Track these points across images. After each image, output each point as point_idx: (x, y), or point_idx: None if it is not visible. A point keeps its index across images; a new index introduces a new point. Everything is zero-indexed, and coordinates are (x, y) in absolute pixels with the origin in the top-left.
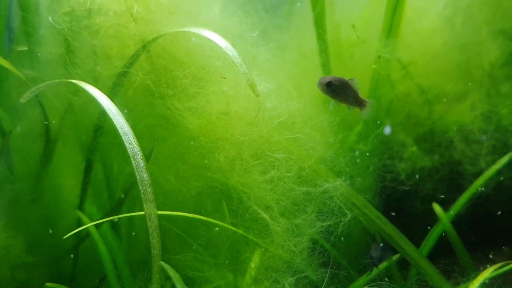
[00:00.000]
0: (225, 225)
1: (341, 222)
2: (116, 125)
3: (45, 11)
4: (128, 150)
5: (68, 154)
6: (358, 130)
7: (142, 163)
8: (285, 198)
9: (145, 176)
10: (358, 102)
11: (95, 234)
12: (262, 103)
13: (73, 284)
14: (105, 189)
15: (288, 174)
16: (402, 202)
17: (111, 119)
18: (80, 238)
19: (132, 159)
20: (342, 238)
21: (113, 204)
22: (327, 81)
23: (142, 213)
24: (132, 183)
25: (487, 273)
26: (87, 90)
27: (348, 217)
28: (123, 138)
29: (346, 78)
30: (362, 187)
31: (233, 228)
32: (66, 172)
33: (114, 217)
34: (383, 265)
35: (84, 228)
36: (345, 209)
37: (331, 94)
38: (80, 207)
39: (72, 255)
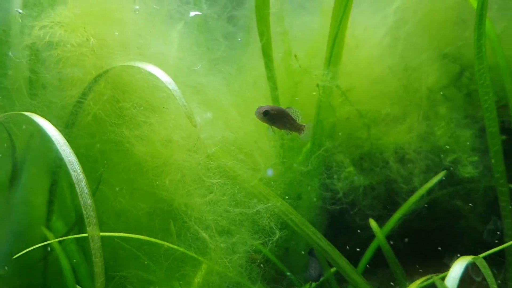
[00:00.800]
0: (168, 244)
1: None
2: (62, 155)
3: (6, 46)
4: (73, 178)
5: (35, 174)
6: (306, 151)
7: (85, 190)
8: (224, 218)
9: (89, 201)
10: (296, 128)
11: (57, 248)
12: (199, 132)
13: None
14: (71, 205)
15: (224, 198)
16: (343, 218)
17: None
18: (47, 251)
19: (76, 186)
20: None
21: (77, 219)
22: (263, 110)
23: (86, 235)
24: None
25: (415, 285)
26: (37, 121)
27: (277, 236)
28: (68, 167)
29: (291, 104)
30: (307, 206)
31: (176, 247)
32: (34, 190)
33: (67, 237)
34: (320, 280)
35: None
36: (275, 228)
37: (268, 122)
38: (47, 222)
39: (42, 266)
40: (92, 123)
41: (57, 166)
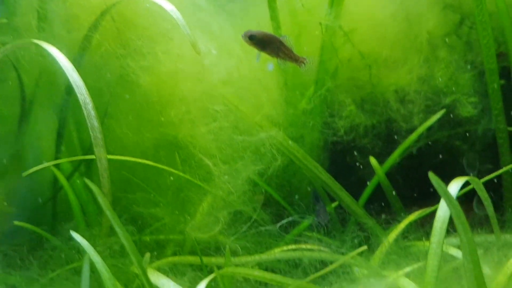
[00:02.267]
0: (174, 171)
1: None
2: (70, 79)
3: None
4: (80, 100)
5: (44, 114)
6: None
7: (92, 112)
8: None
9: (95, 123)
10: (293, 59)
11: (66, 185)
12: (204, 61)
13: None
14: (78, 146)
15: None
16: (344, 156)
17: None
18: (56, 190)
19: (83, 108)
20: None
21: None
22: (250, 34)
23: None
24: None
25: (413, 216)
26: (46, 48)
27: (279, 162)
28: (76, 91)
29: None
30: (310, 143)
31: (181, 173)
32: (42, 130)
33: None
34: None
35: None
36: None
37: (256, 46)
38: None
39: (51, 206)
40: (99, 57)
41: (65, 105)
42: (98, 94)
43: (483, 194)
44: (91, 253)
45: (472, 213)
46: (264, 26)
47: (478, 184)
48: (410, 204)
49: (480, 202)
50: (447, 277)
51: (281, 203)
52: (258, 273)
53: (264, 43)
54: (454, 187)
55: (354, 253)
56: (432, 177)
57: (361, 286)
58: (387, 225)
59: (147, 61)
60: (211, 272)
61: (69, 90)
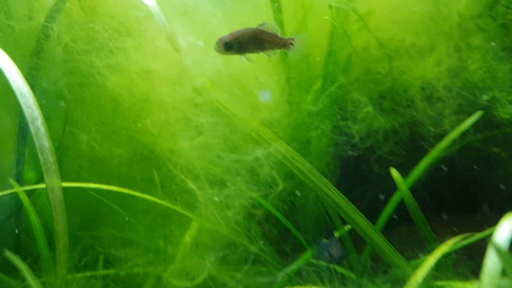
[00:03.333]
0: (151, 198)
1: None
2: (13, 87)
3: None
4: (26, 115)
5: None
6: (316, 89)
7: (42, 129)
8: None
9: (46, 144)
10: (280, 44)
11: (26, 202)
12: (184, 59)
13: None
14: None
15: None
16: (358, 167)
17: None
18: (18, 206)
19: (30, 124)
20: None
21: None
22: (223, 42)
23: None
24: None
25: (446, 246)
26: None
27: (280, 187)
28: (20, 101)
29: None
30: (317, 152)
31: (161, 201)
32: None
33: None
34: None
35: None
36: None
37: (237, 52)
38: (17, 173)
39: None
40: (59, 52)
41: None
42: (56, 98)
43: None
44: None
45: None
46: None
47: None
48: (441, 229)
49: None
50: None
51: (286, 224)
52: None
53: (243, 45)
54: (507, 226)
55: None
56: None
57: None
58: (413, 256)
59: (115, 58)
60: None
61: None
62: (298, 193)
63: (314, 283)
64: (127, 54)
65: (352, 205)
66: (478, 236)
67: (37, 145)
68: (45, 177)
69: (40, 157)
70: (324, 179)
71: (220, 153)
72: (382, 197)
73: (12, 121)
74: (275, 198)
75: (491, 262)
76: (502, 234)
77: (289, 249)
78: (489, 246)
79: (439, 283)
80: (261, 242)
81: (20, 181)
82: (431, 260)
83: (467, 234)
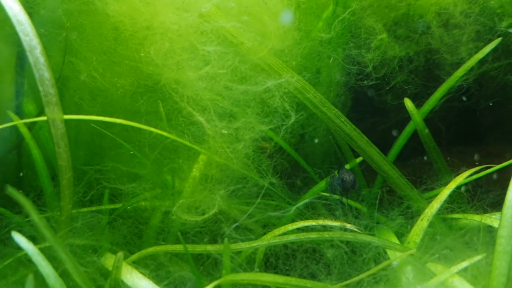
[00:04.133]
0: (156, 131)
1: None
2: (9, 13)
3: None
4: (24, 44)
5: None
6: (328, 15)
7: (42, 59)
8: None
9: (46, 74)
10: None
11: (27, 136)
12: None
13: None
14: None
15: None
16: (371, 97)
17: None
18: (19, 140)
19: (29, 54)
20: None
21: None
22: None
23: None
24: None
25: (461, 178)
26: None
27: (292, 119)
28: (17, 29)
29: None
30: (328, 82)
31: (167, 134)
32: None
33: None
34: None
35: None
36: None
37: None
38: (17, 105)
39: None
40: None
41: None
42: (55, 26)
43: None
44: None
45: None
46: None
47: None
48: (455, 161)
49: None
50: None
51: (296, 158)
52: (268, 278)
53: None
54: None
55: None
56: None
57: None
58: (426, 189)
59: None
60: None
61: None
62: (308, 126)
63: (325, 217)
64: None
65: (365, 137)
66: (496, 167)
67: (36, 76)
68: (46, 110)
69: (40, 89)
70: (336, 110)
71: (229, 84)
72: (394, 128)
73: (9, 51)
74: (285, 132)
75: None
76: None
77: (300, 182)
78: None
79: (455, 215)
80: (271, 176)
81: (20, 114)
82: (446, 192)
83: (483, 166)
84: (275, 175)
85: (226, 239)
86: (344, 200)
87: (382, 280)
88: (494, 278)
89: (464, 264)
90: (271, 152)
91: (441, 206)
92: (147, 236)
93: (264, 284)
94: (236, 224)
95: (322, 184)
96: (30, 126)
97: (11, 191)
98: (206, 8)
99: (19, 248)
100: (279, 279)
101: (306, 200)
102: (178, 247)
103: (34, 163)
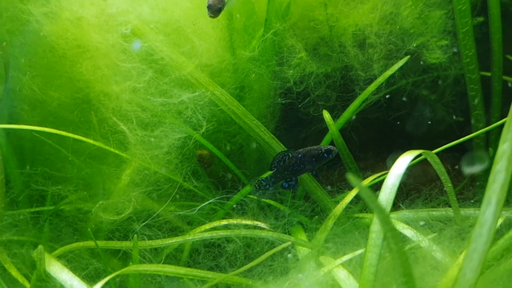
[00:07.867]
0: (86, 139)
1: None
2: None
3: None
4: None
5: None
6: (260, 35)
7: None
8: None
9: None
10: None
11: None
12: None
13: None
14: None
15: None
16: (296, 109)
17: None
18: None
19: None
20: None
21: None
22: (217, 8)
23: None
24: None
25: (366, 181)
26: None
27: (204, 128)
28: None
29: None
30: (259, 96)
31: (93, 142)
32: None
33: None
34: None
35: None
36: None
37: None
38: None
39: None
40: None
41: None
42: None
43: (439, 168)
44: None
45: None
46: None
47: (433, 158)
48: (366, 167)
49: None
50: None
51: (225, 161)
52: (170, 269)
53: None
54: (402, 163)
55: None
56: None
57: (288, 283)
58: (340, 191)
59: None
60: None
61: None
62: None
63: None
64: (61, 2)
65: (282, 145)
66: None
67: None
68: None
69: None
70: (256, 120)
71: (148, 96)
72: (315, 137)
73: None
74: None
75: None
76: (396, 171)
77: (230, 185)
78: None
79: (361, 215)
80: (194, 179)
81: None
82: (352, 194)
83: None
84: (204, 178)
85: (135, 236)
86: (266, 201)
87: (277, 270)
88: (365, 268)
89: (347, 256)
90: (208, 159)
91: (346, 207)
92: (79, 234)
93: (167, 275)
94: (145, 222)
95: (248, 187)
96: None
97: None
98: (127, 29)
99: None
100: (181, 270)
101: (209, 201)
102: (91, 243)
103: None
